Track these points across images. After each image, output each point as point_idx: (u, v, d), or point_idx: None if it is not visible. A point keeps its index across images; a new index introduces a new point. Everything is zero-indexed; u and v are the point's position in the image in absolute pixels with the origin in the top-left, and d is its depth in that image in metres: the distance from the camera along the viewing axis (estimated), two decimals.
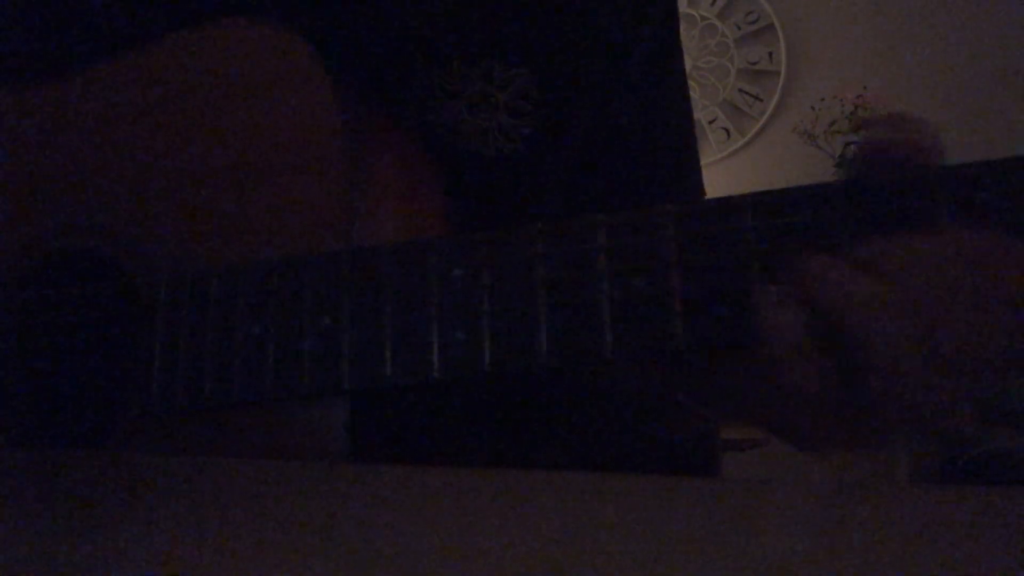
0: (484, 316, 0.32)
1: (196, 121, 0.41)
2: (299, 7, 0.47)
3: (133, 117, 0.43)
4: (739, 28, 2.66)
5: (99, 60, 0.45)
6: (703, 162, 0.60)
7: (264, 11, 0.42)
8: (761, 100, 2.64)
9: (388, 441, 0.42)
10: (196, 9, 0.44)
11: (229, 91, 0.41)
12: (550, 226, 0.32)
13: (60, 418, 0.45)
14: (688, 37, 2.61)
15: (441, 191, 0.46)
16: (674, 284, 0.29)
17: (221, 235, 0.39)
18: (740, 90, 2.66)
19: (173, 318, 0.37)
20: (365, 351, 0.33)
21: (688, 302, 0.29)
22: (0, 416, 0.45)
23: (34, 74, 0.47)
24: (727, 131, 2.66)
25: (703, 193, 0.59)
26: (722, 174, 2.60)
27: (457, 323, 0.32)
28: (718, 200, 0.30)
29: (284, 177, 0.39)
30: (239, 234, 0.39)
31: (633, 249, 0.30)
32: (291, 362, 0.34)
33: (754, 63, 2.65)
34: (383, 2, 0.48)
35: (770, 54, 2.63)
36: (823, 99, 2.46)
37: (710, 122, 2.66)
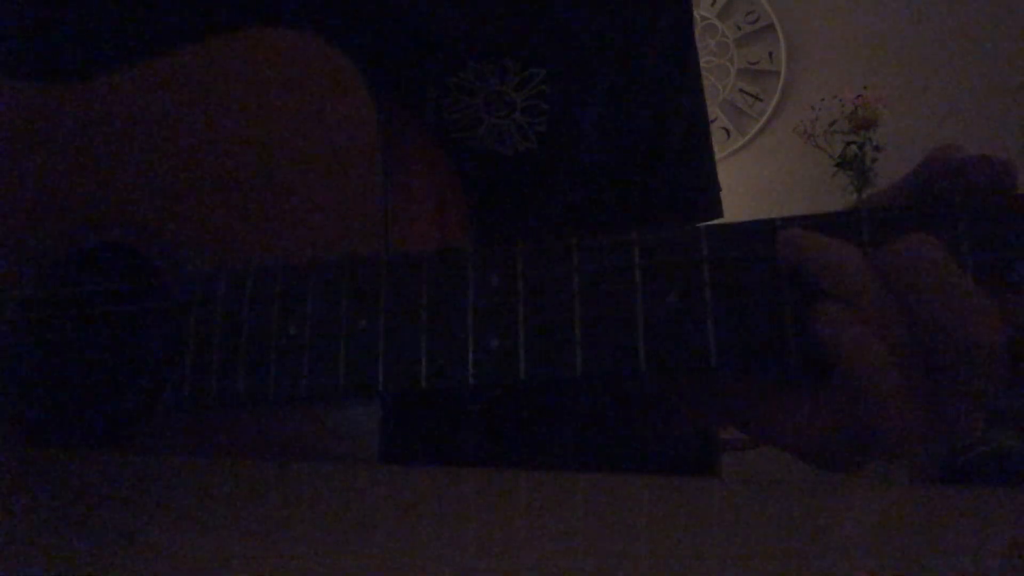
0: (520, 325, 0.32)
1: (234, 124, 0.42)
2: (314, 10, 0.47)
3: (173, 117, 0.44)
4: (739, 28, 2.67)
5: (139, 60, 0.46)
6: None
7: (281, 18, 0.42)
8: (761, 100, 2.64)
9: (414, 443, 0.42)
10: (226, 17, 0.45)
11: (267, 96, 0.42)
12: (587, 240, 0.32)
13: (91, 414, 0.45)
14: None
15: (464, 195, 0.46)
16: (707, 303, 0.30)
17: (255, 237, 0.40)
18: (740, 90, 2.66)
19: (207, 316, 0.38)
20: (400, 355, 0.33)
21: (720, 322, 0.30)
22: (28, 412, 0.45)
23: (74, 72, 0.48)
24: (727, 131, 2.66)
25: (719, 191, 0.59)
26: (722, 174, 2.57)
27: (493, 331, 0.32)
28: (753, 222, 0.31)
29: (320, 181, 0.39)
30: (273, 236, 0.40)
31: (667, 267, 0.31)
32: (326, 363, 0.35)
33: (754, 63, 2.65)
34: (399, 3, 0.48)
35: (770, 54, 2.63)
36: (823, 99, 2.47)
37: (710, 122, 2.66)
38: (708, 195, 0.58)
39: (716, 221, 0.33)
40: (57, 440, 0.44)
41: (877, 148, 2.35)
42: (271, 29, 0.42)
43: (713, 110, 2.65)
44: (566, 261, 0.32)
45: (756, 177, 2.58)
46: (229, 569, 0.17)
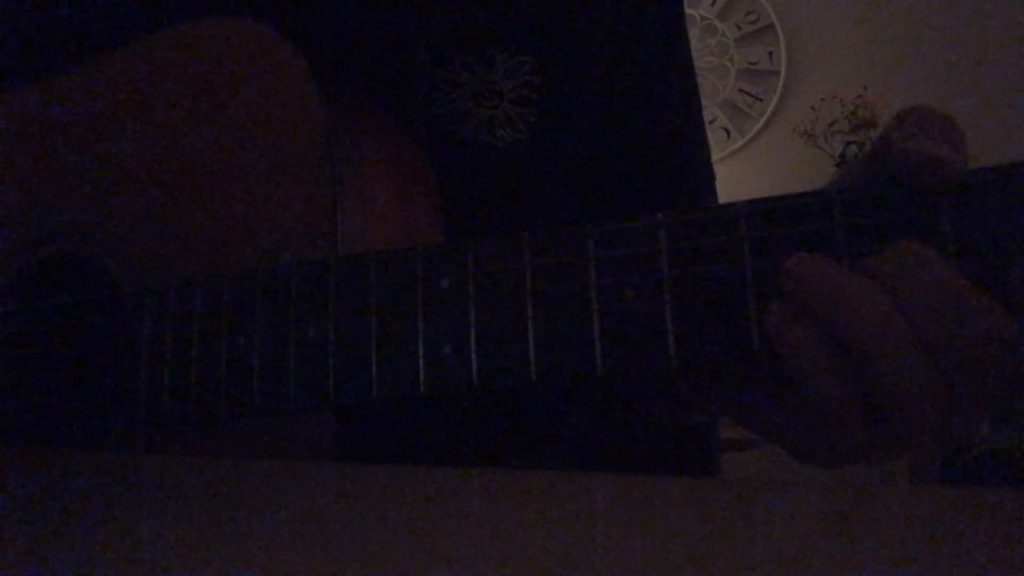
0: (471, 330, 0.30)
1: (175, 122, 0.41)
2: (292, 7, 0.46)
3: (112, 119, 0.42)
4: (739, 28, 2.66)
5: (78, 61, 0.44)
6: None
7: (253, 9, 0.41)
8: (761, 100, 2.64)
9: (376, 442, 0.41)
10: (175, 8, 0.43)
11: (207, 91, 0.40)
12: (539, 236, 0.30)
13: (48, 427, 0.44)
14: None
15: (436, 186, 0.45)
16: (666, 299, 0.28)
17: (203, 238, 0.39)
18: (740, 90, 2.66)
19: (158, 328, 0.36)
20: (351, 365, 0.32)
21: (681, 318, 0.28)
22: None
23: (12, 76, 0.47)
24: (727, 131, 2.66)
25: (713, 179, 0.58)
26: (722, 174, 2.58)
27: (444, 337, 0.31)
28: (712, 208, 0.29)
29: (265, 178, 0.38)
30: (221, 237, 0.38)
31: (624, 262, 0.29)
32: (276, 375, 0.33)
33: (754, 63, 2.65)
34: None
35: (770, 54, 2.63)
36: (823, 99, 2.47)
37: (710, 122, 2.66)
38: (703, 183, 0.58)
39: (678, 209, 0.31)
40: (21, 445, 0.44)
41: None
42: (209, 20, 0.41)
43: (713, 110, 2.65)
44: (518, 258, 0.30)
45: (756, 177, 2.58)
46: (211, 568, 0.17)
